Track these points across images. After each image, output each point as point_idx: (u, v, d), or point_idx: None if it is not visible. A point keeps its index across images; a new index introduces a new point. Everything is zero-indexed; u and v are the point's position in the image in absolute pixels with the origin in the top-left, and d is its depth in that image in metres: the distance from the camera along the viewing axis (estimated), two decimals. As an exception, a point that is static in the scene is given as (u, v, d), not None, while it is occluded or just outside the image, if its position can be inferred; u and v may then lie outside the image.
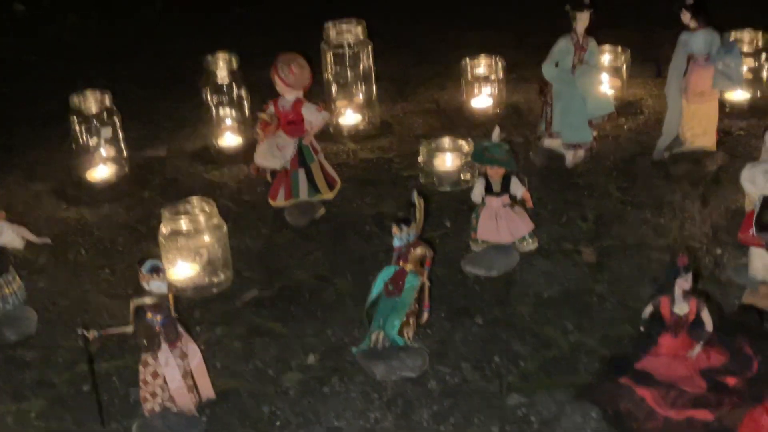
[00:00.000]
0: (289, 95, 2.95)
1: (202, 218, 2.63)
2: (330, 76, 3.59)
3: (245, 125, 3.47)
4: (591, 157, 3.29)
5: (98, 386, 2.15)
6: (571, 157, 3.24)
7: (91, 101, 3.24)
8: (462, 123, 3.68)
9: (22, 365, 2.42)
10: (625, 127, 3.55)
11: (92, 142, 3.25)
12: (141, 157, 3.49)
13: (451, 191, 3.15)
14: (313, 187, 3.03)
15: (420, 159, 3.22)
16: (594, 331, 2.40)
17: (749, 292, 2.48)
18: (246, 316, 2.57)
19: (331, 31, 3.54)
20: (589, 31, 3.12)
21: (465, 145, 3.20)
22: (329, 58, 3.56)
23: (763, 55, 3.58)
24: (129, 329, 2.10)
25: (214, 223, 2.65)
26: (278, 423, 2.18)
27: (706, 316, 1.95)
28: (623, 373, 1.97)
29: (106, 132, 3.23)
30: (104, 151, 3.28)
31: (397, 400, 2.21)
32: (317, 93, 3.61)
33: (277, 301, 2.63)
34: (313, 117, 2.96)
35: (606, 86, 3.69)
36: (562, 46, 3.12)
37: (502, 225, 2.69)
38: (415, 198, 2.29)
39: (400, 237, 2.27)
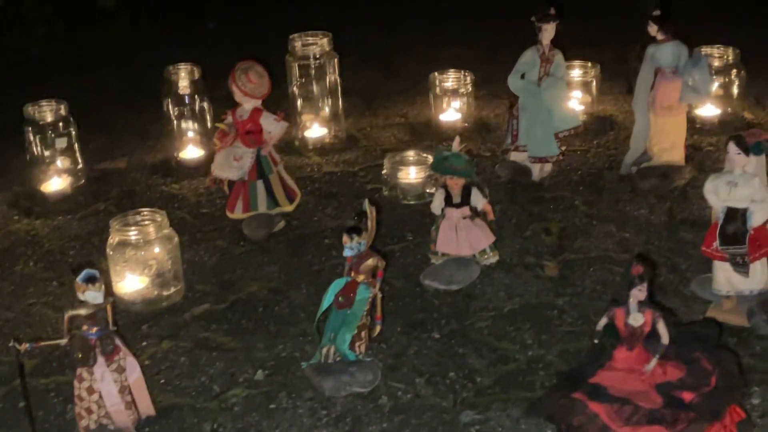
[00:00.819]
0: (247, 104, 2.88)
1: (151, 229, 2.54)
2: (296, 88, 3.53)
3: (207, 137, 3.41)
4: (558, 171, 3.24)
5: (30, 401, 2.05)
6: (537, 171, 3.18)
7: (47, 111, 3.17)
8: (430, 137, 3.63)
9: (-42, 380, 2.32)
10: (595, 141, 3.50)
11: (47, 152, 3.17)
12: (99, 169, 3.41)
13: (415, 204, 3.09)
14: (272, 199, 2.96)
15: (384, 172, 3.16)
16: (553, 346, 2.32)
17: (713, 306, 2.42)
18: (195, 329, 2.48)
19: (297, 43, 3.49)
20: (556, 44, 3.08)
21: (429, 159, 3.14)
22: (295, 70, 3.50)
23: (734, 71, 3.55)
24: (63, 341, 2.01)
25: (164, 234, 2.57)
26: (221, 441, 2.09)
27: (662, 329, 1.87)
28: (577, 387, 1.89)
29: (61, 142, 3.15)
30: (59, 162, 3.20)
31: (346, 416, 2.12)
32: (284, 106, 3.56)
33: (229, 314, 2.55)
34: (271, 127, 2.89)
35: (575, 102, 3.67)
36: (528, 58, 3.08)
37: (462, 237, 2.62)
38: (367, 207, 2.21)
39: (351, 247, 2.19)
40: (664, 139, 3.11)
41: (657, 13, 2.98)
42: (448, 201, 2.63)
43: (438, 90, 3.66)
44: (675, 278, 2.59)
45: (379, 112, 3.94)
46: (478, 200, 2.63)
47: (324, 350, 2.23)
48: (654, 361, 1.88)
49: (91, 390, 2.03)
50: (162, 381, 2.27)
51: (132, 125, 3.84)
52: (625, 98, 3.78)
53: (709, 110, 3.54)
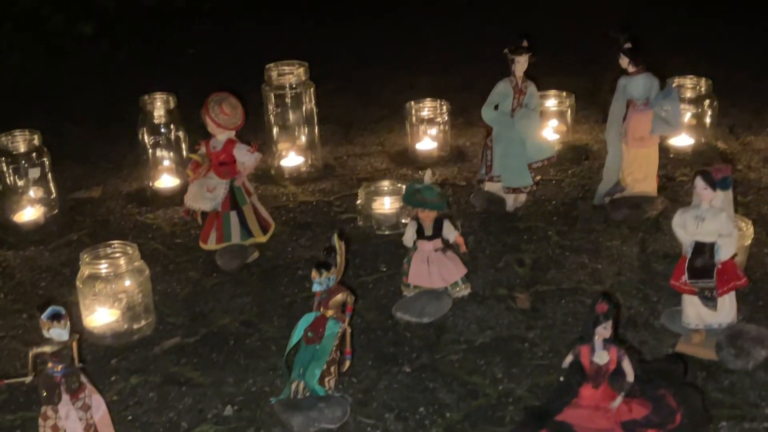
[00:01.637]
0: (220, 135, 2.88)
1: (122, 262, 2.53)
2: (272, 117, 3.54)
3: (183, 167, 3.40)
4: (533, 201, 3.26)
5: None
6: (511, 201, 3.20)
7: (20, 141, 3.16)
8: (406, 166, 3.64)
9: None
10: (569, 171, 3.53)
11: (20, 182, 3.16)
12: (73, 198, 3.40)
13: (390, 234, 3.09)
14: (246, 230, 2.95)
15: (358, 202, 3.17)
16: (523, 380, 2.32)
17: (683, 339, 2.43)
18: (165, 364, 2.46)
19: (273, 72, 3.50)
20: (529, 75, 3.11)
21: (404, 188, 3.14)
22: (271, 99, 3.51)
23: (707, 101, 3.59)
24: (28, 379, 2.00)
25: (135, 266, 2.56)
26: (187, 478, 2.07)
27: (627, 366, 1.88)
28: (543, 424, 1.89)
29: (35, 172, 3.14)
30: (32, 192, 3.18)
31: (314, 453, 2.11)
32: (261, 135, 3.57)
33: (199, 347, 2.53)
34: (245, 158, 2.89)
35: (550, 131, 3.69)
36: (501, 89, 3.10)
37: (434, 270, 2.63)
38: (336, 242, 2.21)
39: (319, 282, 2.19)
40: (636, 170, 3.13)
41: (628, 45, 3.00)
42: (420, 233, 2.63)
43: (414, 119, 3.68)
44: (646, 310, 2.60)
45: (356, 140, 3.95)
46: (450, 233, 2.64)
47: (293, 386, 2.22)
48: (619, 399, 1.88)
49: (56, 428, 2.01)
50: (129, 417, 2.25)
51: (108, 153, 3.84)
52: (600, 127, 3.81)
53: (682, 140, 3.58)
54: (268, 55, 3.69)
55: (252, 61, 3.88)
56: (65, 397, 2.00)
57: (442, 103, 3.69)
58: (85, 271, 2.52)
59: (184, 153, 3.41)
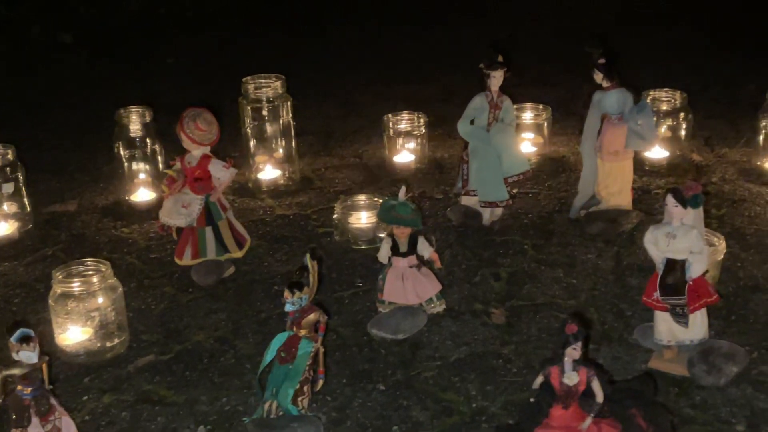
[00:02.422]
0: (195, 151, 2.88)
1: (95, 280, 2.52)
2: (249, 130, 3.53)
3: (159, 180, 3.39)
4: (509, 214, 3.27)
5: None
6: (488, 215, 3.20)
7: (-7, 156, 3.13)
8: (384, 178, 3.65)
9: None
10: (546, 183, 3.54)
11: (-6, 197, 3.14)
12: (48, 212, 3.38)
13: (366, 249, 3.09)
14: (221, 245, 2.95)
15: (335, 216, 3.16)
16: (497, 397, 2.33)
17: (655, 355, 2.44)
18: (138, 382, 2.45)
19: (250, 85, 3.50)
20: (504, 89, 3.12)
21: (380, 202, 3.14)
22: (248, 112, 3.50)
23: (681, 114, 3.62)
24: (-3, 402, 1.98)
25: (108, 284, 2.54)
26: (159, 500, 2.06)
27: (597, 387, 1.89)
28: (514, 445, 1.89)
29: (8, 187, 3.12)
30: (6, 207, 3.16)
31: (287, 473, 2.11)
32: (238, 148, 3.56)
33: (173, 365, 2.52)
34: (220, 174, 2.88)
35: (527, 143, 3.71)
36: (477, 104, 3.11)
37: (409, 286, 2.63)
38: (308, 261, 2.21)
39: (292, 302, 2.19)
40: (611, 184, 3.15)
41: (602, 60, 3.02)
42: (395, 250, 2.64)
43: (391, 132, 3.68)
44: (620, 325, 2.62)
45: (334, 152, 3.95)
46: (425, 249, 2.64)
47: (266, 405, 2.22)
48: (589, 420, 1.89)
49: (25, 451, 2.00)
50: (101, 438, 2.24)
51: (84, 166, 3.81)
52: (577, 139, 3.83)
53: (657, 153, 3.60)
54: (248, 66, 3.67)
55: (230, 72, 3.87)
56: (35, 419, 1.98)
57: (420, 115, 3.70)
58: (57, 289, 2.50)
59: (160, 166, 3.40)
